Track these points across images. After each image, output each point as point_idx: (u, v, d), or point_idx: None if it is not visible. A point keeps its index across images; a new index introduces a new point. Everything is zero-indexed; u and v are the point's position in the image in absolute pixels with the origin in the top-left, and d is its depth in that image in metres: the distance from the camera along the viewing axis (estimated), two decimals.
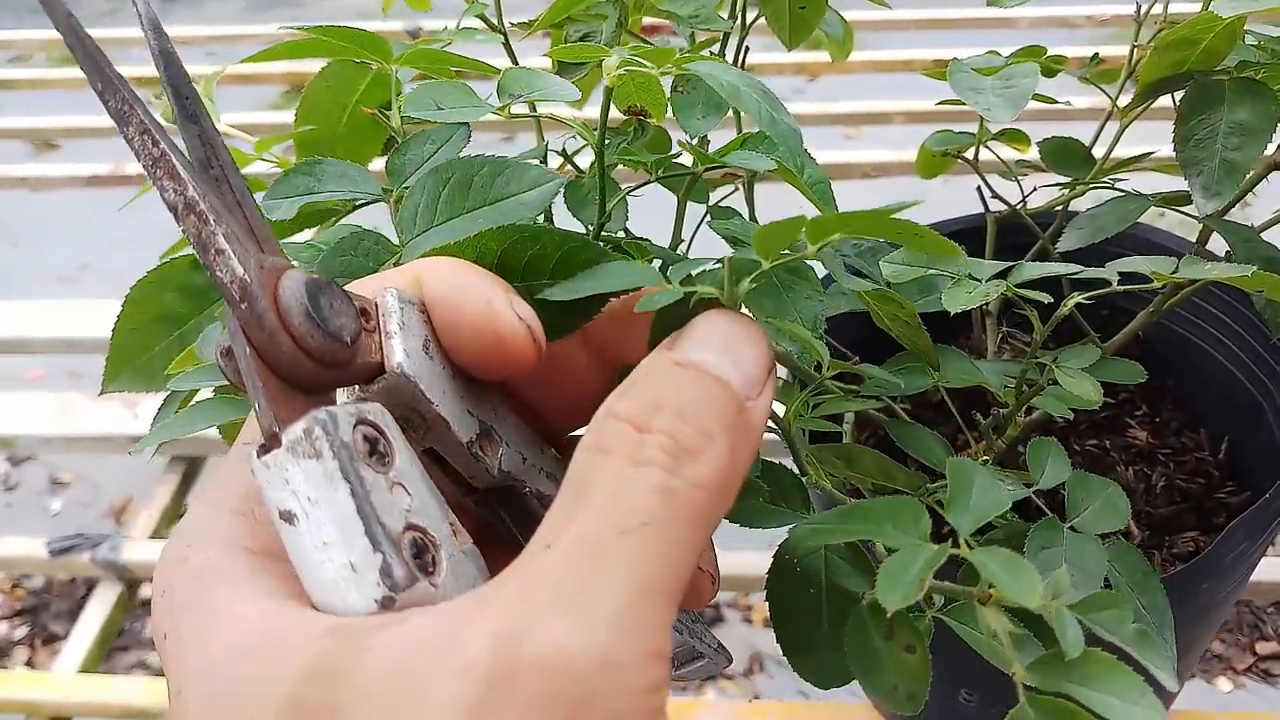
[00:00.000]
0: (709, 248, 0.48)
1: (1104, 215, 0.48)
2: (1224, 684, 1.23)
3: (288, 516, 0.23)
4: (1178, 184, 0.54)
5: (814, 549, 0.31)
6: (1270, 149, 0.45)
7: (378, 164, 0.49)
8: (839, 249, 0.44)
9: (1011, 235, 0.60)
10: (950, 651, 0.31)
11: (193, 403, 0.40)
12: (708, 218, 0.47)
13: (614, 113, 0.36)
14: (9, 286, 2.01)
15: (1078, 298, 0.34)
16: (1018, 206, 0.58)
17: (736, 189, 0.55)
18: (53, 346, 1.14)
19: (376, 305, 0.27)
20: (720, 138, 0.50)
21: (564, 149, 0.47)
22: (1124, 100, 0.55)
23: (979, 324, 0.60)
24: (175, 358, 0.41)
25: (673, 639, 0.23)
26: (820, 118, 1.31)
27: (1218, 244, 0.52)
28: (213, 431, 0.40)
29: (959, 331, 0.63)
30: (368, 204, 0.39)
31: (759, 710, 0.71)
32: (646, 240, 0.42)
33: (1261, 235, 0.48)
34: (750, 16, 0.52)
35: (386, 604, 0.23)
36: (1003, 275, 0.35)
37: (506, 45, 0.47)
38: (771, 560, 0.32)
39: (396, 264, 0.34)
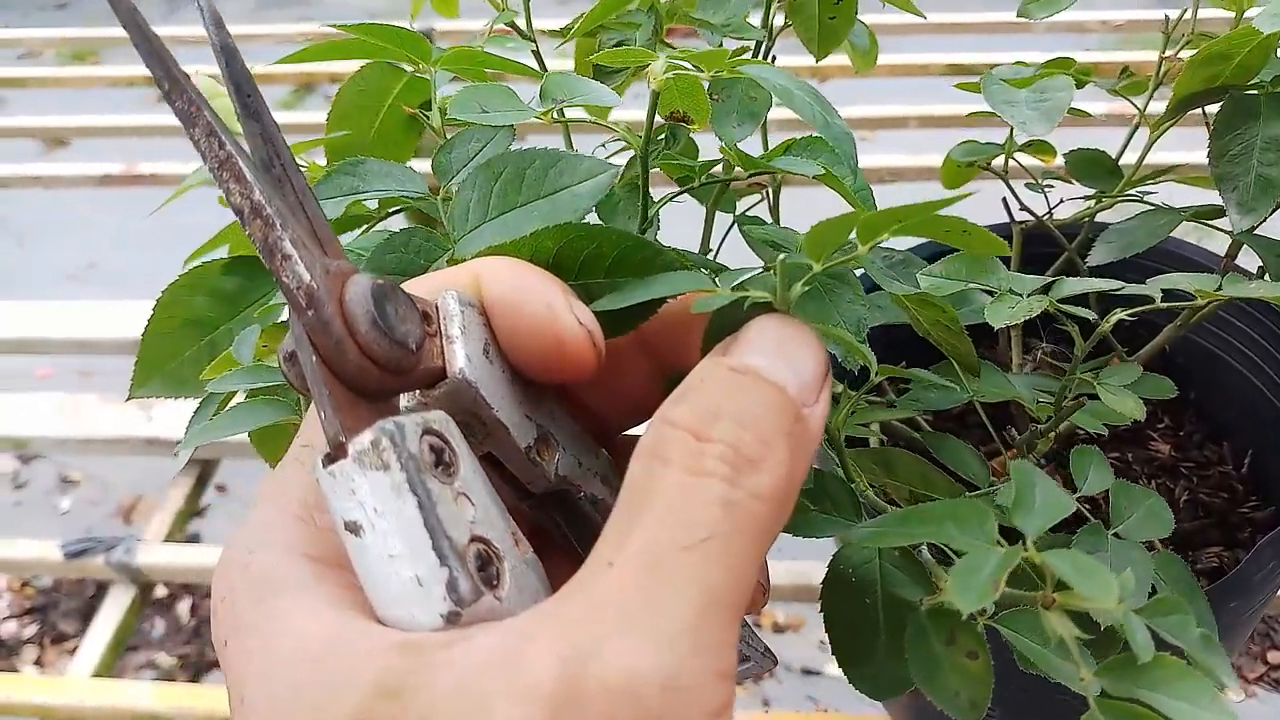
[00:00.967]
0: (735, 257, 0.48)
1: (1134, 230, 0.48)
2: (1234, 693, 1.23)
3: (353, 528, 0.23)
4: (1205, 196, 0.54)
5: (868, 559, 0.31)
6: None
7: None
8: (872, 261, 0.44)
9: (1036, 246, 0.60)
10: None
11: (229, 406, 0.40)
12: (735, 226, 0.47)
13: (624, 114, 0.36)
14: (18, 285, 2.01)
15: (1120, 314, 0.34)
16: (1044, 218, 0.58)
17: (762, 199, 0.54)
18: (63, 347, 1.14)
19: (437, 308, 0.27)
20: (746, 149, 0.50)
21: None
22: (1153, 108, 0.55)
23: (1004, 336, 0.60)
24: (205, 363, 0.40)
25: None
26: None
27: (1245, 258, 0.52)
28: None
29: (979, 344, 0.63)
30: (403, 210, 0.39)
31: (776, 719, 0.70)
32: (687, 252, 0.42)
33: None
34: (777, 25, 0.52)
35: (452, 619, 0.22)
36: (1044, 290, 0.35)
37: (536, 54, 0.47)
38: (826, 571, 0.32)
39: (451, 261, 0.33)
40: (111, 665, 0.85)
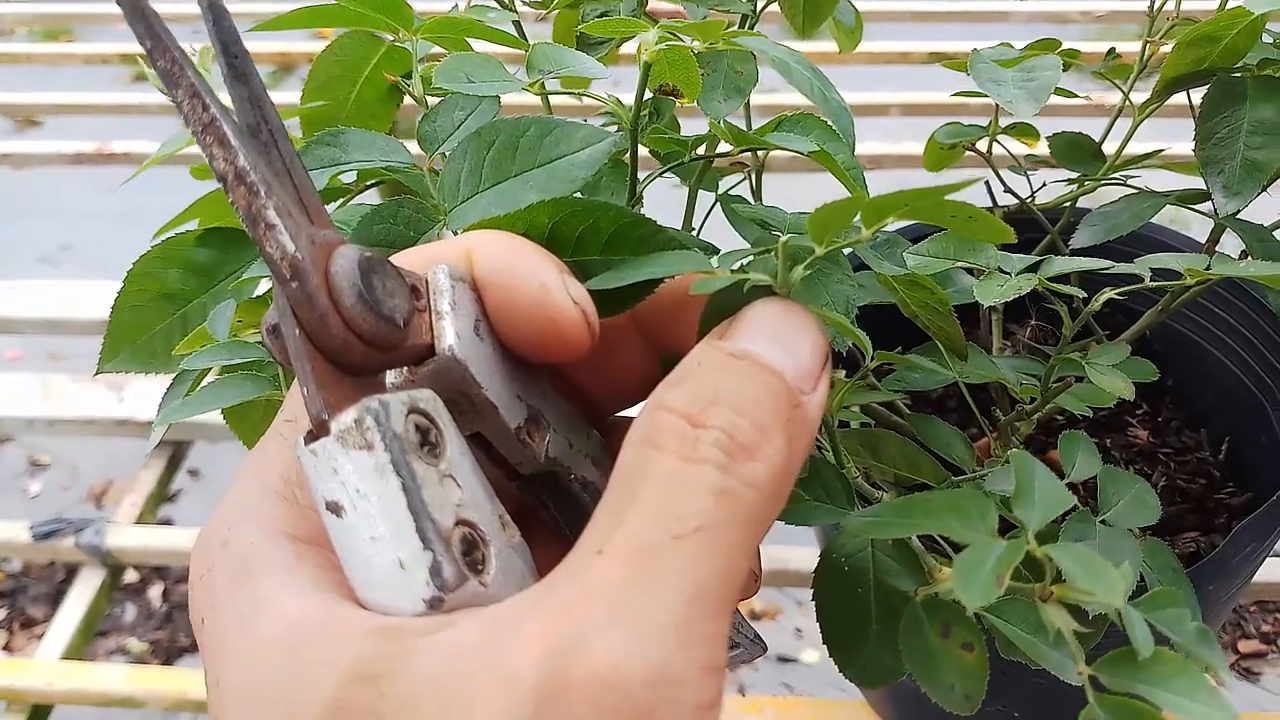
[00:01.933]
0: (717, 237, 0.48)
1: (1119, 213, 0.48)
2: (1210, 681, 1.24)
3: (335, 508, 0.23)
4: (1188, 181, 0.54)
5: (861, 548, 0.31)
6: None
7: None
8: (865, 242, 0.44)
9: (1019, 230, 0.59)
10: None
11: (204, 383, 0.39)
12: (719, 205, 0.47)
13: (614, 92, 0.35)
14: None
15: (1110, 293, 0.34)
16: (1027, 201, 0.57)
17: (744, 179, 0.54)
18: (33, 327, 1.12)
19: (427, 282, 0.26)
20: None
21: None
22: (1135, 96, 0.55)
23: (985, 320, 0.59)
24: (177, 337, 0.40)
25: None
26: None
27: (1225, 243, 0.52)
28: (201, 415, 0.39)
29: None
30: (379, 184, 0.38)
31: (752, 705, 0.70)
32: (679, 232, 0.41)
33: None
34: (761, 3, 0.52)
35: (435, 604, 0.22)
36: (1032, 269, 0.35)
37: (517, 25, 0.46)
38: (818, 559, 0.32)
39: (441, 233, 0.33)
40: (81, 650, 0.84)
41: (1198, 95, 0.46)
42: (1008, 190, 0.59)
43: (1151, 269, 0.34)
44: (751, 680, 1.24)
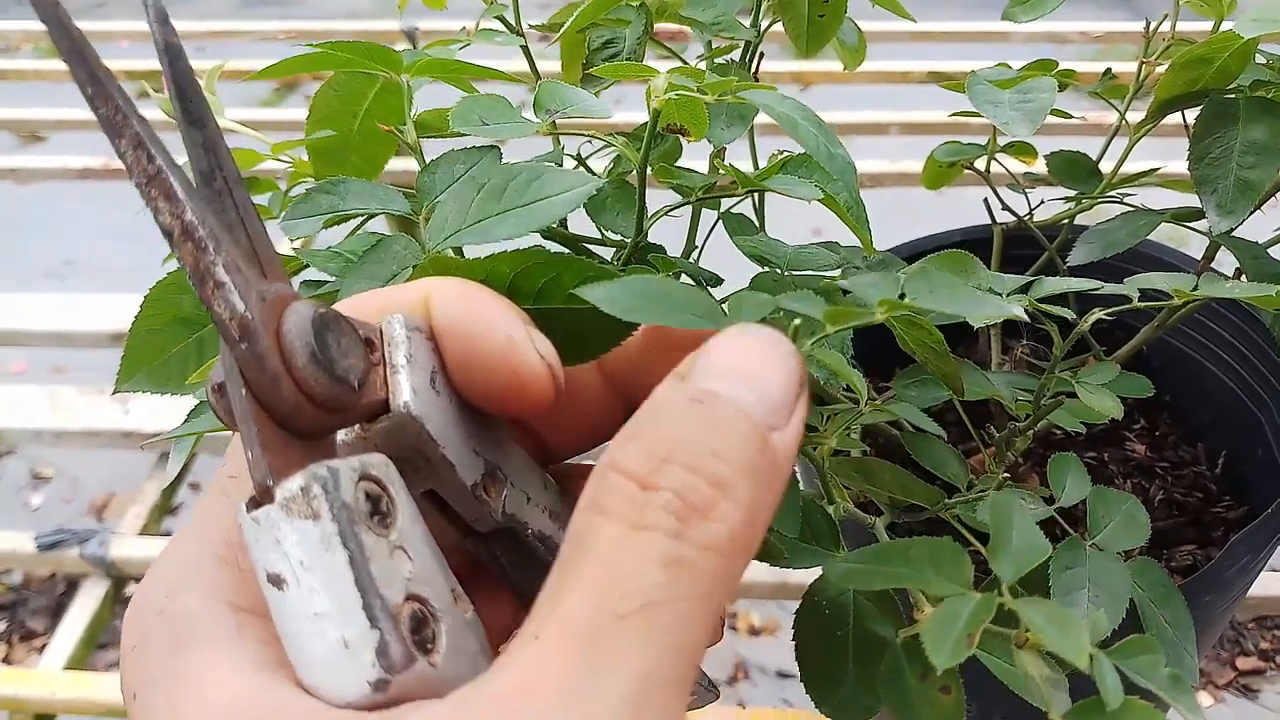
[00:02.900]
0: (719, 254, 0.48)
1: (1115, 230, 0.49)
2: (1205, 699, 1.24)
3: (276, 580, 0.21)
4: (1184, 200, 0.55)
5: (842, 591, 0.31)
6: None
7: (394, 164, 0.49)
8: (852, 261, 0.45)
9: (1017, 247, 0.60)
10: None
11: None
12: (720, 224, 0.47)
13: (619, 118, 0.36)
14: None
15: (1099, 313, 0.35)
16: (1025, 219, 0.58)
17: (746, 197, 0.55)
18: (38, 340, 1.13)
19: (381, 333, 0.25)
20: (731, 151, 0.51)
21: (579, 153, 0.47)
22: (1131, 116, 0.56)
23: (984, 336, 0.60)
24: (192, 360, 0.40)
25: None
26: None
27: (1222, 260, 0.52)
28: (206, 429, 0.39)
29: (958, 342, 0.64)
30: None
31: (754, 717, 0.71)
32: (676, 259, 0.42)
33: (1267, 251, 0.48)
34: (765, 24, 0.52)
35: (380, 686, 0.20)
36: (1024, 290, 0.36)
37: (525, 50, 0.47)
38: (800, 600, 0.32)
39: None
40: (84, 661, 0.84)
41: (1193, 115, 0.47)
42: (1006, 208, 0.59)
43: (1142, 289, 0.35)
44: (750, 695, 1.24)
